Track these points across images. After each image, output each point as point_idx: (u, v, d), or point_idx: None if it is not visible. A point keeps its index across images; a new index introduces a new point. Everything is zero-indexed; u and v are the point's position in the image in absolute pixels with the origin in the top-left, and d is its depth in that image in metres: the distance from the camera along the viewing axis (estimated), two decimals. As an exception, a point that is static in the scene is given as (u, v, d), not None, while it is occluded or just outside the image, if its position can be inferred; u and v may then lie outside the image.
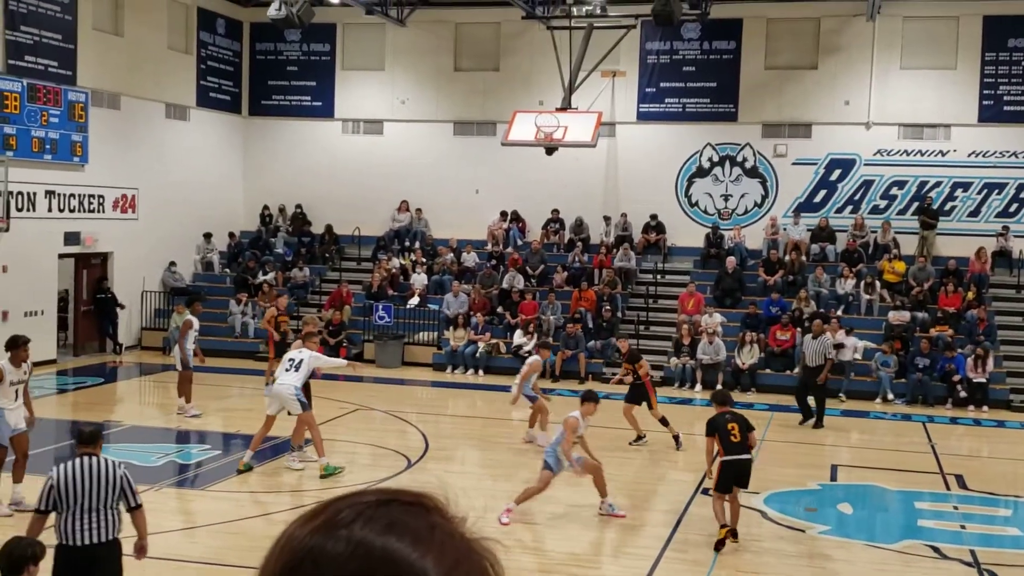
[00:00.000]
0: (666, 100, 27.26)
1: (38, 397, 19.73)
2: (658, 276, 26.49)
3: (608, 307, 24.19)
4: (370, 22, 27.59)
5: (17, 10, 21.39)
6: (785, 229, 26.51)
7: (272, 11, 23.17)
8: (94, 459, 7.90)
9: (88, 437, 8.15)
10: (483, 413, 19.95)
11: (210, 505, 13.13)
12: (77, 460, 7.91)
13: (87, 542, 7.77)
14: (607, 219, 27.30)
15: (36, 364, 21.90)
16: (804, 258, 25.83)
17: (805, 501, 13.96)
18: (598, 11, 23.79)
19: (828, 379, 18.79)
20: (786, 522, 12.77)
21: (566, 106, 24.20)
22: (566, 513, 12.69)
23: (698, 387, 22.31)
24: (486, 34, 28.33)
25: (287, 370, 14.25)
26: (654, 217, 27.12)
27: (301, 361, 14.27)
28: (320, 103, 29.34)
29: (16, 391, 11.94)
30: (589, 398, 12.59)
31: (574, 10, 24.26)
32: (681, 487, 14.48)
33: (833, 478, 15.42)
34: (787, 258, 25.72)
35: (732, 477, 11.58)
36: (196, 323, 18.07)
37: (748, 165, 27.13)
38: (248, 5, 28.90)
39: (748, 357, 22.49)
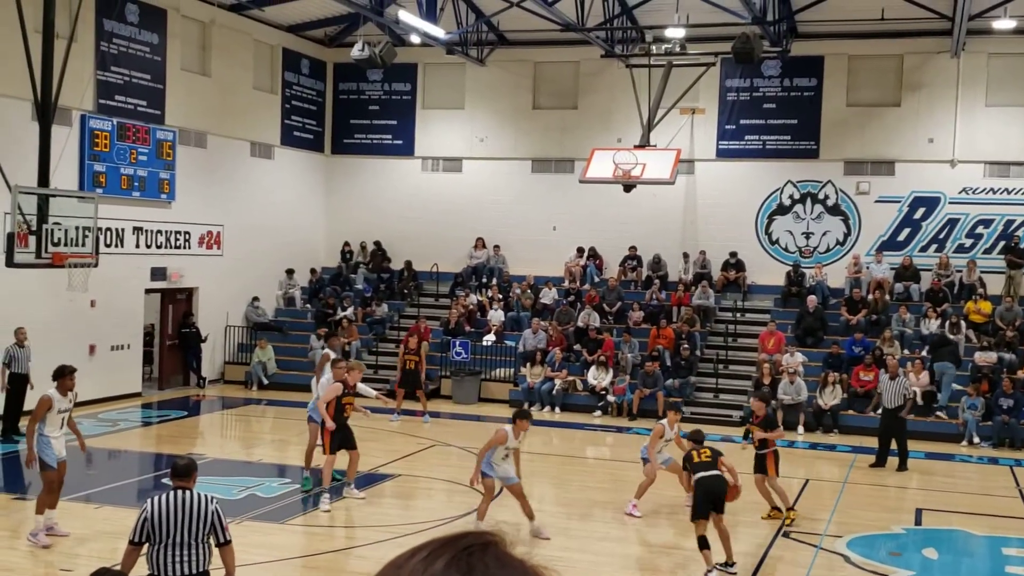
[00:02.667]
0: (746, 137, 27.10)
1: (124, 430, 20.23)
2: (738, 314, 26.21)
3: (686, 345, 23.98)
4: (450, 62, 27.93)
5: (108, 51, 22.06)
6: (868, 268, 26.08)
7: (355, 52, 23.58)
8: (187, 493, 7.95)
9: (182, 470, 8.19)
10: (559, 451, 19.86)
11: (290, 539, 13.24)
12: (171, 493, 7.97)
13: (178, 574, 7.84)
14: (686, 256, 27.14)
15: (122, 397, 22.59)
16: (887, 297, 25.36)
17: (889, 545, 13.63)
18: (677, 49, 23.78)
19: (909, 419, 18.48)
20: (869, 567, 12.47)
21: (645, 143, 24.17)
22: (640, 555, 12.53)
23: (779, 428, 21.92)
24: (565, 72, 28.49)
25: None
26: (734, 255, 26.89)
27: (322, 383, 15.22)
28: (401, 141, 29.72)
29: (63, 419, 12.15)
30: (522, 416, 12.84)
31: (653, 48, 24.27)
32: (762, 529, 14.22)
33: (918, 522, 15.03)
34: (870, 297, 25.28)
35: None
36: (334, 355, 18.25)
37: (830, 202, 26.79)
38: (332, 46, 29.46)
39: (830, 398, 22.09)
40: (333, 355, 18.24)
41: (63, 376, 12.13)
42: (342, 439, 14.65)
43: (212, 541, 7.97)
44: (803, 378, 22.42)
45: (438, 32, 23.54)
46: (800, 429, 21.82)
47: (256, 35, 26.99)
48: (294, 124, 28.83)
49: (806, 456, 20.07)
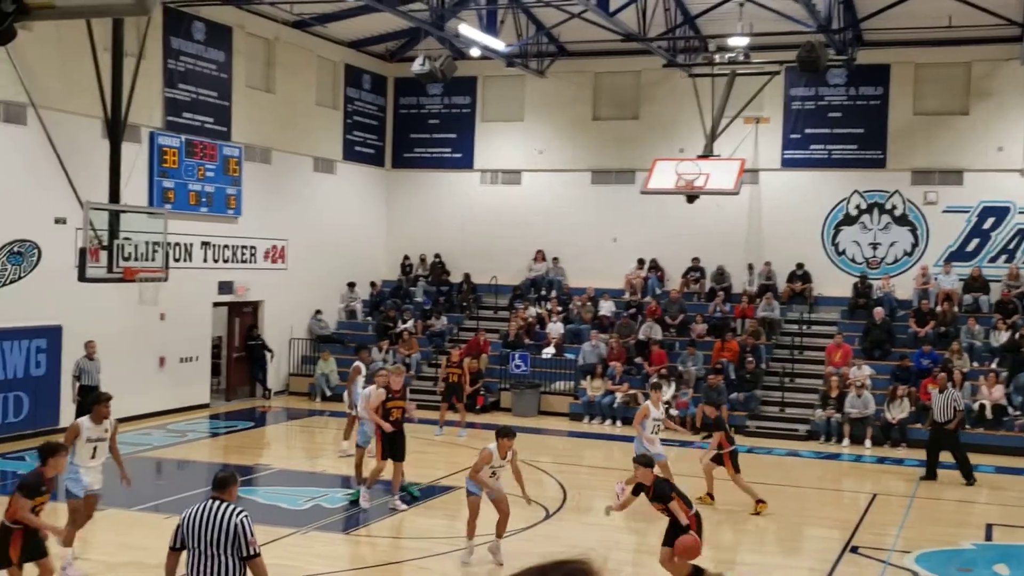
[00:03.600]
0: (811, 146, 26.81)
1: (192, 440, 20.51)
2: (803, 327, 25.90)
3: (751, 358, 23.74)
4: (510, 74, 28.02)
5: (176, 69, 22.46)
6: (936, 279, 25.64)
7: (416, 66, 23.76)
8: (218, 504, 7.99)
9: (219, 482, 8.24)
10: (620, 464, 19.71)
11: (355, 549, 13.33)
12: (205, 503, 8.05)
13: None
14: (750, 268, 26.90)
15: (191, 408, 22.91)
16: (956, 309, 24.90)
17: (958, 561, 13.35)
18: (741, 58, 23.61)
19: (961, 431, 18.37)
20: (940, 584, 12.23)
21: (708, 153, 24.02)
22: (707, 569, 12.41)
23: (845, 441, 21.65)
24: (626, 83, 28.43)
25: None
26: (800, 266, 26.59)
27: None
28: (460, 154, 29.86)
29: (95, 448, 11.47)
30: (504, 434, 12.43)
31: (716, 57, 24.14)
32: (828, 544, 14.03)
33: (988, 537, 14.70)
34: (938, 309, 24.85)
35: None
36: (364, 369, 18.59)
37: (897, 213, 26.39)
38: (393, 61, 29.71)
39: (898, 411, 21.72)
40: (364, 368, 18.45)
41: (98, 404, 11.57)
42: (392, 447, 14.71)
43: (239, 554, 7.88)
44: (871, 391, 22.08)
45: (498, 45, 23.63)
46: (867, 443, 21.51)
47: (319, 51, 27.32)
48: (355, 139, 29.10)
49: (874, 470, 19.76)
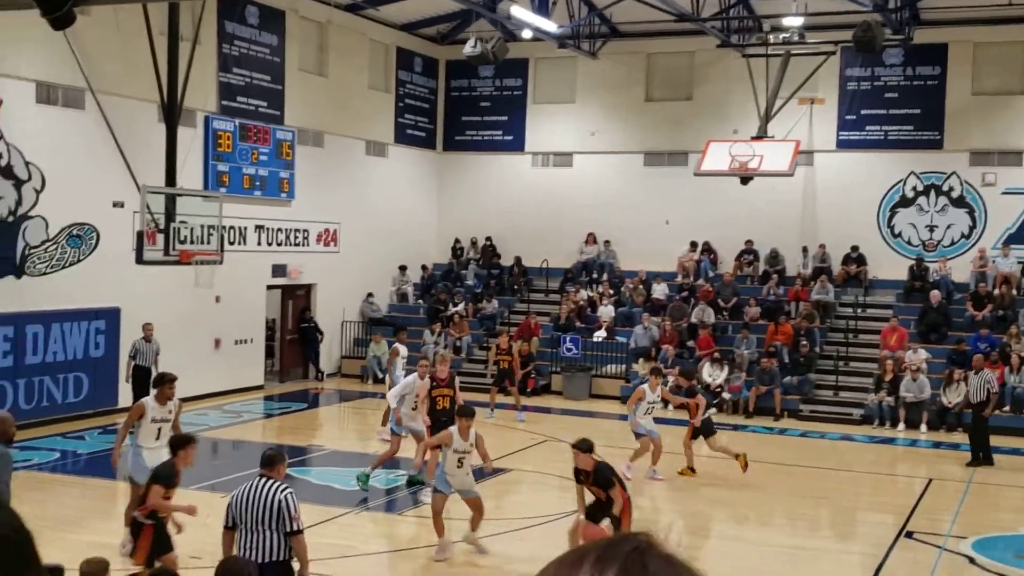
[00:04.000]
0: (867, 127, 26.44)
1: (247, 421, 20.77)
2: (858, 310, 25.59)
3: (805, 342, 23.52)
4: (562, 56, 27.91)
5: (230, 53, 22.65)
6: (994, 261, 25.19)
7: (467, 49, 23.74)
8: (265, 481, 8.20)
9: (266, 460, 8.42)
10: (672, 449, 19.67)
11: (406, 530, 13.43)
12: (252, 482, 8.29)
13: (254, 560, 8.04)
14: (804, 250, 26.62)
15: (246, 390, 23.18)
16: (1015, 292, 24.47)
17: (1016, 547, 13.17)
18: (796, 38, 23.33)
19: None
20: (995, 569, 12.07)
21: (762, 135, 23.79)
22: (760, 554, 12.35)
23: (900, 426, 21.41)
24: (679, 63, 28.21)
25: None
26: (855, 248, 26.27)
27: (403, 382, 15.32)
28: (511, 137, 29.83)
29: (159, 430, 11.45)
30: (462, 413, 12.06)
31: (771, 37, 23.86)
32: (883, 529, 13.90)
33: (1050, 525, 14.49)
34: (996, 292, 24.43)
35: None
36: (403, 351, 18.68)
37: (955, 194, 25.96)
38: (444, 43, 29.72)
39: (955, 395, 21.41)
40: (402, 350, 18.54)
41: (163, 384, 11.58)
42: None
43: (284, 530, 8.11)
44: (926, 375, 21.80)
45: (550, 26, 23.54)
46: (923, 427, 21.26)
47: (371, 35, 27.40)
48: (407, 122, 29.18)
49: (929, 455, 19.54)
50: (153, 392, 11.57)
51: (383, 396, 18.60)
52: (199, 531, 12.38)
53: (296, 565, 8.29)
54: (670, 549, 1.21)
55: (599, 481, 11.07)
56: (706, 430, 16.51)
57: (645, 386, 16.37)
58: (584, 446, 11.34)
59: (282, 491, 8.13)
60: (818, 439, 20.44)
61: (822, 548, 13.25)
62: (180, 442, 9.94)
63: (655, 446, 16.16)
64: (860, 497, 16.12)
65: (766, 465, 17.88)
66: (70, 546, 10.22)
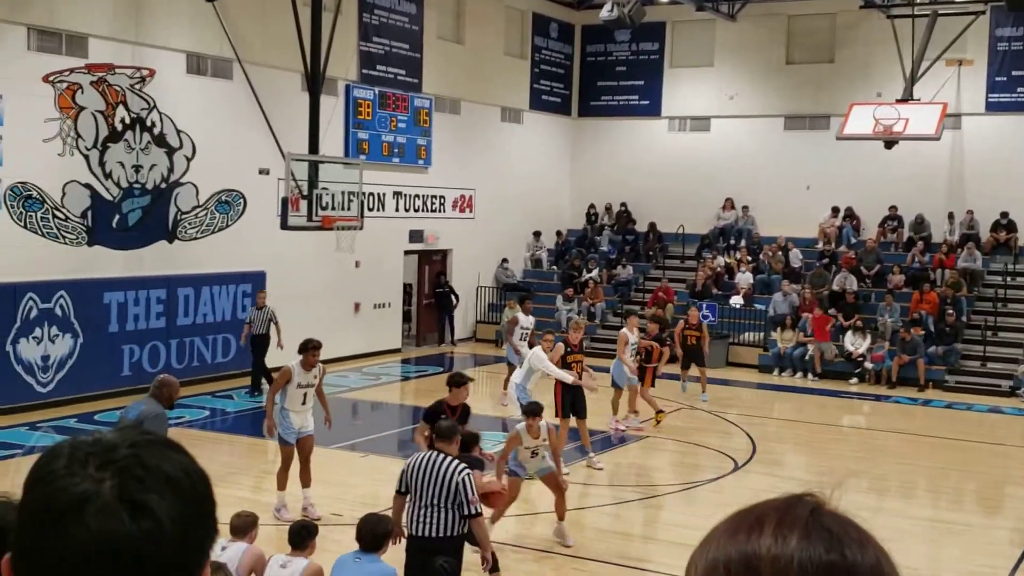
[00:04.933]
0: (1019, 89, 25.26)
1: (385, 383, 21.26)
2: (1008, 278, 24.63)
3: (951, 311, 22.76)
4: (700, 19, 27.46)
5: (371, 22, 23.00)
6: None
7: (604, 13, 23.55)
8: (440, 456, 8.02)
9: (443, 432, 8.25)
10: (812, 418, 19.37)
11: (545, 494, 13.55)
12: (428, 454, 8.14)
13: (423, 534, 7.97)
14: (951, 216, 25.71)
15: (383, 353, 23.70)
16: None
17: None
18: (943, -3, 22.47)
19: None
20: None
21: (907, 97, 23.03)
22: (902, 527, 12.10)
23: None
24: (821, 25, 27.45)
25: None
26: (1004, 215, 25.24)
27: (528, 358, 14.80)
28: (647, 102, 29.53)
29: (304, 395, 11.66)
30: (529, 411, 10.94)
31: (917, -3, 23.04)
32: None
33: None
34: None
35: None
36: (523, 320, 18.65)
37: (1114, 157, 24.66)
38: (580, 8, 29.56)
39: (1112, 368, 20.49)
40: (522, 319, 18.46)
41: (307, 351, 11.63)
42: (572, 402, 14.34)
43: (460, 510, 7.95)
44: (1082, 347, 20.89)
45: (688, -10, 23.18)
46: (1077, 401, 20.41)
47: (507, 1, 27.44)
48: (542, 88, 29.17)
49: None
50: (298, 358, 11.71)
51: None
52: (338, 489, 12.80)
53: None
54: (840, 508, 1.21)
55: (463, 420, 10.57)
56: (642, 376, 16.96)
57: (624, 330, 16.98)
58: (456, 380, 11.07)
59: (460, 472, 7.92)
60: (964, 411, 19.82)
61: (968, 523, 12.88)
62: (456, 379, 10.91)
63: (631, 395, 16.71)
64: (1009, 471, 15.59)
65: (909, 437, 17.46)
66: (220, 500, 10.62)
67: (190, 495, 1.27)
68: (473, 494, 7.95)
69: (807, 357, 22.92)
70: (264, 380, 17.99)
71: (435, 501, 7.94)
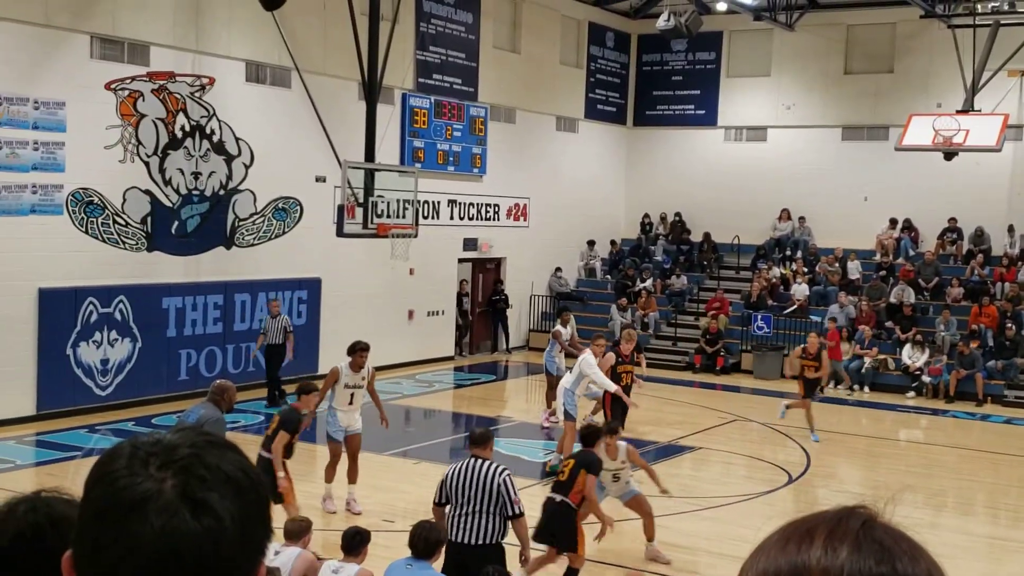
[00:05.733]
0: (1083, 100, 24.82)
1: (439, 391, 21.34)
2: (1070, 292, 24.14)
3: (1011, 324, 22.37)
4: (757, 28, 27.29)
5: (427, 31, 23.15)
6: None
7: (661, 23, 23.50)
8: (479, 462, 8.09)
9: (478, 438, 8.35)
10: (868, 432, 19.14)
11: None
12: (467, 461, 8.19)
13: (464, 541, 8.01)
14: (1011, 229, 25.27)
15: (437, 360, 23.79)
16: None
17: None
18: (1005, 7, 22.12)
19: None
20: None
21: (968, 108, 22.69)
22: (959, 544, 11.91)
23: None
24: (880, 35, 27.16)
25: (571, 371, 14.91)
26: (1067, 228, 24.78)
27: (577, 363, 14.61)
28: (703, 111, 29.39)
29: (351, 395, 11.94)
30: (605, 432, 10.60)
31: (978, 7, 22.69)
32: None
33: None
34: None
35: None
36: (565, 334, 18.21)
37: None
38: (637, 18, 29.51)
39: None
40: (564, 332, 18.20)
41: (355, 352, 11.92)
42: (624, 410, 14.40)
43: (503, 513, 7.99)
44: None
45: (746, -1, 23.05)
46: None
47: (563, 11, 27.47)
48: (598, 97, 29.16)
49: None
50: (347, 359, 11.96)
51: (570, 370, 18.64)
52: (391, 495, 12.87)
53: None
54: (892, 521, 1.20)
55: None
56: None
57: (559, 326, 17.82)
58: (305, 389, 11.13)
59: (500, 473, 8.00)
60: (1022, 426, 19.45)
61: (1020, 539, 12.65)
62: (302, 390, 10.76)
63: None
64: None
65: (967, 452, 17.19)
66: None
67: (249, 494, 1.28)
68: (516, 494, 8.02)
69: (863, 370, 22.64)
70: (277, 392, 18.11)
71: (478, 507, 7.97)
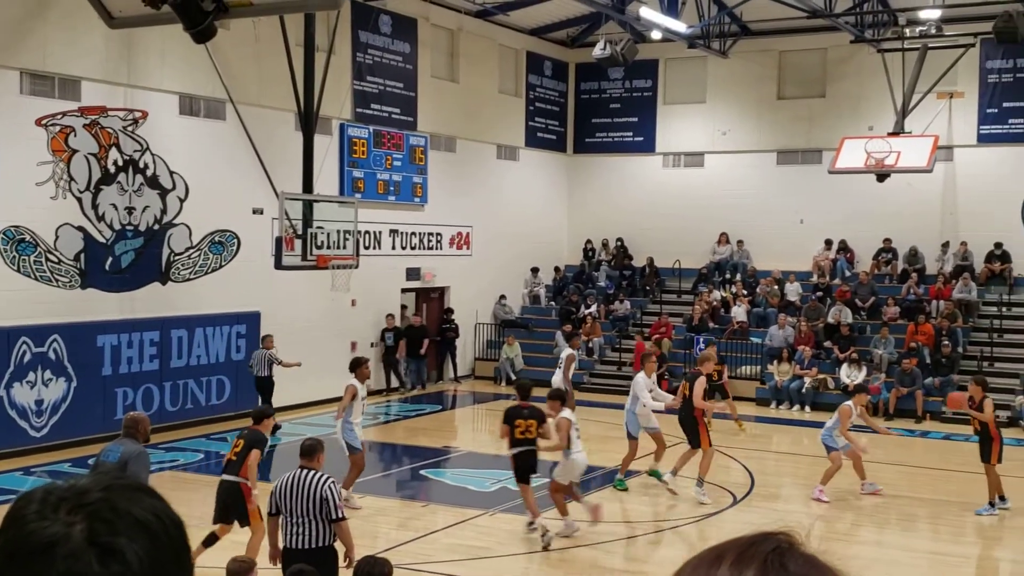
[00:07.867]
0: (1010, 121, 25.43)
1: (384, 423, 21.15)
2: (1003, 309, 24.64)
3: (947, 342, 22.76)
4: (692, 56, 27.66)
5: (364, 62, 23.14)
6: None
7: (597, 51, 23.70)
8: (306, 472, 8.72)
9: (306, 450, 8.98)
10: (810, 451, 19.25)
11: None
12: (295, 472, 8.80)
13: (296, 546, 8.61)
14: (944, 247, 25.76)
15: (382, 391, 23.61)
16: None
17: None
18: (933, 31, 22.62)
19: None
20: None
21: (899, 130, 23.13)
22: (901, 560, 12.01)
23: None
24: (811, 60, 27.65)
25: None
26: (999, 245, 25.30)
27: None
28: (642, 138, 29.67)
29: (363, 406, 13.51)
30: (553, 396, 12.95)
31: (907, 31, 23.18)
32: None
33: None
34: None
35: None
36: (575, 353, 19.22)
37: (1107, 187, 24.73)
38: (574, 47, 29.76)
39: (1110, 398, 20.43)
40: (575, 355, 18.25)
41: (360, 366, 13.36)
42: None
43: (329, 518, 8.63)
44: (1079, 377, 20.85)
45: (680, 27, 23.32)
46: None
47: (501, 40, 27.63)
48: (537, 125, 29.32)
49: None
50: (352, 377, 13.23)
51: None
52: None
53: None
54: (811, 549, 1.19)
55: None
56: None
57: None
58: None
59: (324, 483, 8.64)
60: (962, 442, 19.72)
61: (967, 554, 12.82)
62: (258, 416, 11.27)
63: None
64: (1007, 502, 15.48)
65: (908, 468, 17.40)
66: (217, 544, 10.57)
67: (162, 538, 1.27)
68: (339, 500, 8.74)
69: (803, 390, 22.88)
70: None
71: (305, 515, 8.61)
